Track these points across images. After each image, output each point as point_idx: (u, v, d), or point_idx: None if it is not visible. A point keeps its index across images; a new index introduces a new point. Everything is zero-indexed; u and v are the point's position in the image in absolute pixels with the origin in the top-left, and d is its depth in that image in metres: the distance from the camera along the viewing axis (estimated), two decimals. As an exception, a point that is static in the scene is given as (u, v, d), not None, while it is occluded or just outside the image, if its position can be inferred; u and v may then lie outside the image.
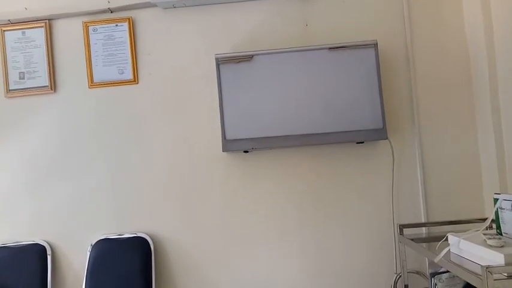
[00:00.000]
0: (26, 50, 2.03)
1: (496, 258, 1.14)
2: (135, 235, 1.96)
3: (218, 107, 1.89)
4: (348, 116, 1.85)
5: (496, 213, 1.38)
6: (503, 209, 1.32)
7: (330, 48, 1.87)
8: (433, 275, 1.61)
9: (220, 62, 1.88)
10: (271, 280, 1.96)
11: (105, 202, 2.01)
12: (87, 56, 2.02)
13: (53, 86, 2.02)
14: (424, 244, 1.56)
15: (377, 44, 1.86)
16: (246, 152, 1.97)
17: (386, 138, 1.86)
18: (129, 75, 2.01)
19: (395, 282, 1.92)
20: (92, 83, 2.02)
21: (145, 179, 2.01)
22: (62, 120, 2.03)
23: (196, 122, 2.01)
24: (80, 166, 2.02)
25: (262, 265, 1.97)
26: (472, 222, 1.74)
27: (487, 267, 1.06)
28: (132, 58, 2.02)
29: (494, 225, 1.43)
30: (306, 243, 1.96)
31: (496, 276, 1.06)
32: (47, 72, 2.01)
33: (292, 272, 1.96)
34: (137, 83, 2.03)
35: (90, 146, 2.03)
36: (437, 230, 1.86)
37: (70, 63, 2.04)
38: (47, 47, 2.01)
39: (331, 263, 1.95)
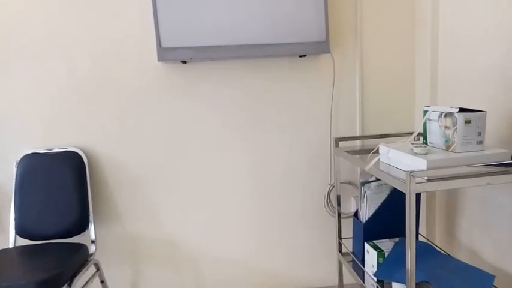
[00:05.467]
0: None
1: (420, 164, 1.21)
2: (65, 149, 1.85)
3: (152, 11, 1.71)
4: (292, 27, 1.77)
5: (425, 125, 1.44)
6: (431, 120, 1.38)
7: (276, -51, 1.71)
8: (363, 183, 1.72)
9: (153, -43, 1.66)
10: (211, 193, 1.99)
11: (30, 116, 1.84)
12: None
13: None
14: (357, 156, 1.62)
15: None
16: (184, 62, 1.85)
17: (329, 52, 1.82)
18: (45, -32, 1.73)
19: (329, 192, 2.04)
20: (0, -24, 1.72)
21: (73, 90, 1.84)
22: (-33, 19, 1.75)
23: (129, 27, 1.82)
24: (-5, 74, 1.80)
25: (202, 179, 1.97)
26: (403, 136, 1.85)
27: (410, 172, 1.12)
28: None
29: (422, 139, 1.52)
30: (246, 155, 1.98)
31: (418, 180, 1.13)
32: None
33: (232, 184, 2.00)
34: (56, -21, 1.76)
35: (6, 52, 1.79)
36: (371, 143, 1.96)
37: None
38: None
39: (271, 175, 2.00)
